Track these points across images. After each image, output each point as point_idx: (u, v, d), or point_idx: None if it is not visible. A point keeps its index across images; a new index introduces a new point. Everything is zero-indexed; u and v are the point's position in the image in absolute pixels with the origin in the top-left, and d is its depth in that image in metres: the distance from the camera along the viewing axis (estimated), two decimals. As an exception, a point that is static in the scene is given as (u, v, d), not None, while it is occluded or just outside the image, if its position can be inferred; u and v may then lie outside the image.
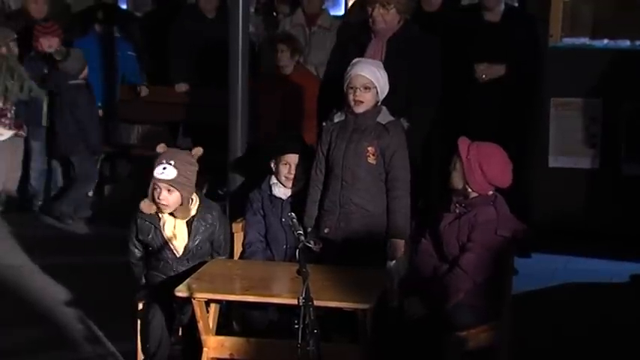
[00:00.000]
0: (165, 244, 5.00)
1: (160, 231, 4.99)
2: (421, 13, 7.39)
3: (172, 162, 4.92)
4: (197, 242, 5.02)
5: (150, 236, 5.02)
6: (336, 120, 5.20)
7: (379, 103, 5.17)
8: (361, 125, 5.13)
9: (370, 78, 5.11)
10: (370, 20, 5.61)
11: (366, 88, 5.10)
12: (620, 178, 7.58)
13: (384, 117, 5.15)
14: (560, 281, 6.71)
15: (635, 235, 7.21)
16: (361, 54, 5.54)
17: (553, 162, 7.70)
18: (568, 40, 8.00)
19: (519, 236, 4.83)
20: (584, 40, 8.06)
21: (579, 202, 7.61)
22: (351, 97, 5.12)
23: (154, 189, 4.94)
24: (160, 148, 5.02)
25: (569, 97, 7.64)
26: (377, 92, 5.13)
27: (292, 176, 5.28)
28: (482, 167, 4.82)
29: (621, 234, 7.27)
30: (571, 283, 6.69)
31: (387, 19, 5.57)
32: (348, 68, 5.19)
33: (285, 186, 5.32)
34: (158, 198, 4.92)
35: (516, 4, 7.69)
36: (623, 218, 7.44)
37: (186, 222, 5.01)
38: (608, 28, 8.15)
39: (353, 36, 5.85)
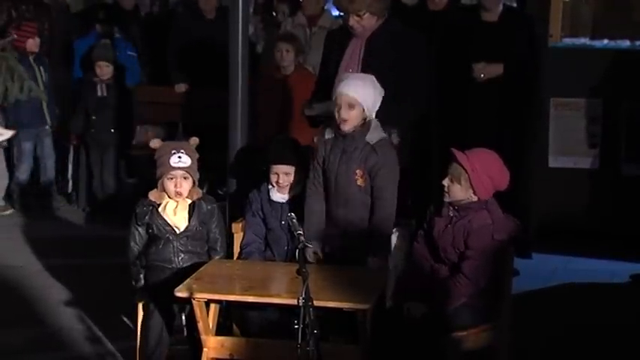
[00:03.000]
0: (164, 222, 5.08)
1: (157, 210, 5.09)
2: (426, 12, 7.40)
3: (183, 151, 5.09)
4: (199, 220, 5.11)
5: (147, 217, 5.11)
6: (327, 136, 5.18)
7: (368, 119, 5.10)
8: (350, 146, 5.08)
9: (353, 95, 5.02)
10: (349, 27, 5.59)
11: (350, 106, 5.03)
12: (620, 178, 7.58)
13: (373, 135, 5.07)
14: (560, 281, 6.71)
15: (635, 235, 7.21)
16: (342, 54, 5.57)
17: (553, 162, 7.70)
18: (568, 40, 8.01)
19: (515, 234, 4.83)
20: (584, 40, 8.07)
21: (579, 202, 7.60)
22: (336, 115, 5.07)
23: (170, 179, 5.06)
24: (155, 143, 5.19)
25: (569, 97, 7.64)
26: (363, 109, 5.05)
27: (285, 185, 5.30)
28: (490, 175, 4.82)
29: (621, 234, 7.27)
30: (571, 283, 6.69)
31: (363, 24, 5.55)
32: (335, 85, 5.14)
33: (279, 192, 5.34)
34: (176, 187, 5.06)
35: (515, 4, 7.68)
36: (623, 218, 7.44)
37: (189, 204, 5.12)
38: (608, 28, 8.16)
39: (336, 38, 5.79)
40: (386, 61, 5.45)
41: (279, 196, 5.33)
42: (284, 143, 5.50)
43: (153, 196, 5.13)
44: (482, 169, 4.80)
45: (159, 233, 5.10)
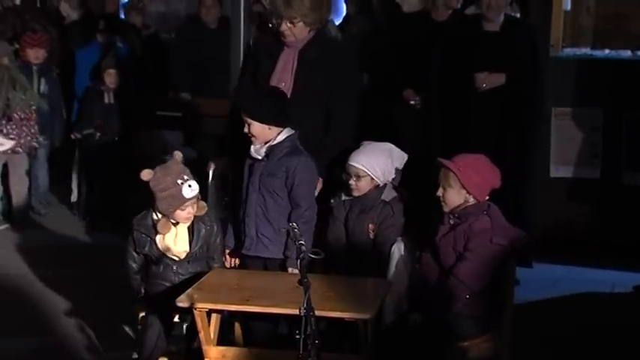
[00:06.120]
0: (163, 254, 5.00)
1: (156, 243, 4.98)
2: (429, 22, 7.40)
3: (186, 177, 4.88)
4: (199, 245, 5.02)
5: (146, 249, 5.01)
6: (344, 198, 5.26)
7: (381, 185, 5.19)
8: (367, 205, 5.19)
9: (360, 167, 5.15)
10: (280, 34, 5.43)
11: (358, 176, 5.17)
12: (621, 188, 7.58)
13: (387, 194, 5.20)
14: (561, 291, 6.70)
15: (637, 244, 7.20)
16: (274, 65, 5.43)
17: (554, 172, 7.70)
18: (569, 50, 8.02)
19: (518, 244, 4.83)
20: (586, 50, 8.08)
21: (581, 212, 7.60)
22: (349, 182, 5.22)
23: (182, 209, 4.89)
24: (146, 175, 4.88)
25: (570, 106, 7.64)
26: (372, 178, 5.17)
27: (251, 136, 5.05)
28: (477, 170, 4.85)
29: (623, 243, 7.26)
30: (572, 293, 6.68)
31: (295, 32, 5.38)
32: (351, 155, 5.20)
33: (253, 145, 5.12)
34: (189, 214, 4.91)
35: (519, 14, 7.68)
36: (625, 228, 7.43)
37: (187, 227, 5.00)
38: (609, 38, 8.17)
39: (266, 47, 5.60)
40: (319, 73, 5.36)
41: (253, 149, 5.11)
42: (260, 94, 5.24)
43: (163, 229, 4.89)
44: (468, 166, 4.85)
45: (158, 263, 5.02)
